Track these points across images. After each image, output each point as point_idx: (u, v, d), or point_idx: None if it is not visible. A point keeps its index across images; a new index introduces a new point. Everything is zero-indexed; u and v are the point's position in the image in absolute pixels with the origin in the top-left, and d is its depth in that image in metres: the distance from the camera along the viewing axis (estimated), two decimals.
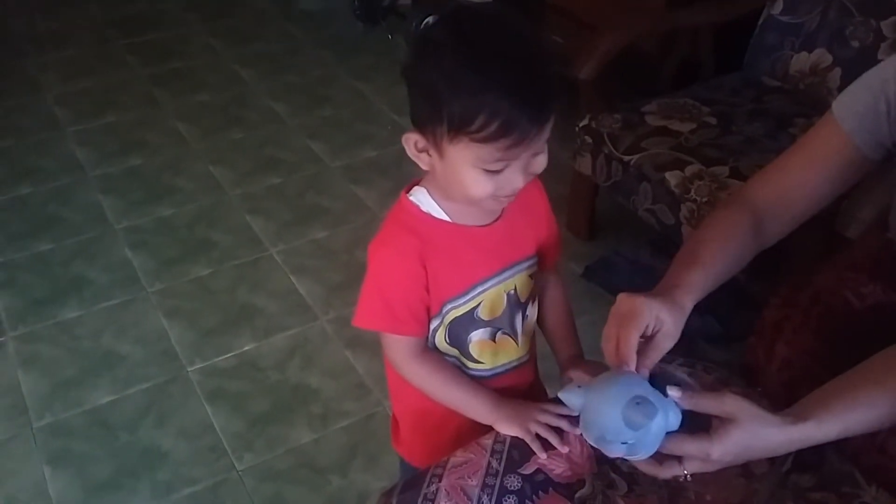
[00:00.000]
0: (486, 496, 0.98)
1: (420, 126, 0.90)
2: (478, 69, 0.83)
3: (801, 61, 2.12)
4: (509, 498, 0.98)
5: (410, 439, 1.20)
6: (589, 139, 2.06)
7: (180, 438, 1.81)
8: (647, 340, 0.95)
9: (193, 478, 1.73)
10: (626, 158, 1.96)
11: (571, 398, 0.89)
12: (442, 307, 1.02)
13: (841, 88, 2.00)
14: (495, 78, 0.82)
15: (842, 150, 1.11)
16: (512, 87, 0.82)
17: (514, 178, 0.90)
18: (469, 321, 1.04)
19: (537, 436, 1.03)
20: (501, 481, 1.00)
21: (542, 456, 1.02)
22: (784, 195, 1.14)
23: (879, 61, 1.91)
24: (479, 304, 1.04)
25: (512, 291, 1.06)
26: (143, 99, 3.15)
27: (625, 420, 0.84)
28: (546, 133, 0.87)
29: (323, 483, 1.72)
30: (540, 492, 0.99)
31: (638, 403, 0.85)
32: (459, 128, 0.84)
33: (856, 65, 1.99)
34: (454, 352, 1.07)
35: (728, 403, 0.87)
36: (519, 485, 0.99)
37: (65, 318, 2.13)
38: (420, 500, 0.98)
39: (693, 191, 1.81)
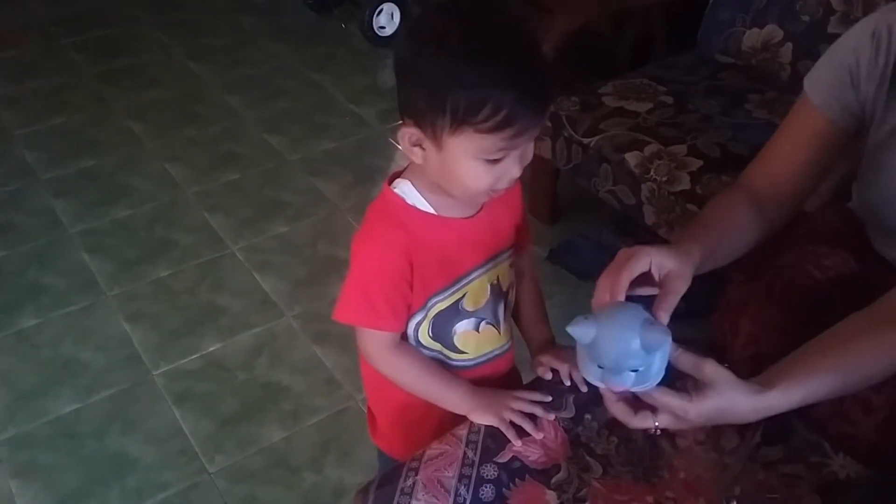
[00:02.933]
0: (463, 487, 0.98)
1: (417, 119, 0.89)
2: (480, 60, 0.83)
3: (753, 37, 2.14)
4: (486, 487, 0.98)
5: (390, 433, 1.20)
6: (548, 123, 2.06)
7: (149, 443, 1.78)
8: (659, 287, 0.95)
9: (164, 483, 1.70)
10: (586, 141, 1.96)
11: (583, 330, 0.86)
12: (427, 301, 1.02)
13: (793, 63, 2.05)
14: (500, 70, 0.83)
15: (819, 127, 1.16)
16: (517, 79, 0.83)
17: (512, 168, 0.90)
18: (453, 313, 1.04)
19: (512, 423, 1.03)
20: (478, 471, 1.00)
21: (516, 443, 1.02)
22: (777, 180, 1.18)
23: (830, 35, 1.96)
24: (464, 295, 1.04)
25: (495, 281, 1.06)
26: (92, 98, 3.07)
27: (642, 341, 0.84)
28: (544, 122, 0.88)
29: (297, 481, 1.71)
30: (517, 479, 0.99)
31: (652, 324, 0.86)
32: (464, 119, 0.84)
33: (807, 39, 2.02)
34: (437, 346, 1.07)
35: (707, 367, 0.89)
36: (495, 473, 1.00)
37: (23, 327, 2.08)
38: (397, 495, 0.97)
39: (653, 170, 1.82)
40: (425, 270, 0.99)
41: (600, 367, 0.87)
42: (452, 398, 1.06)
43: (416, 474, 0.99)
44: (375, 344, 1.04)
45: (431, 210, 0.99)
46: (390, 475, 1.00)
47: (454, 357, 1.09)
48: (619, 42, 2.50)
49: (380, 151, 2.79)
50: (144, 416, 1.85)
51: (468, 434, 1.04)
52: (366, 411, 1.81)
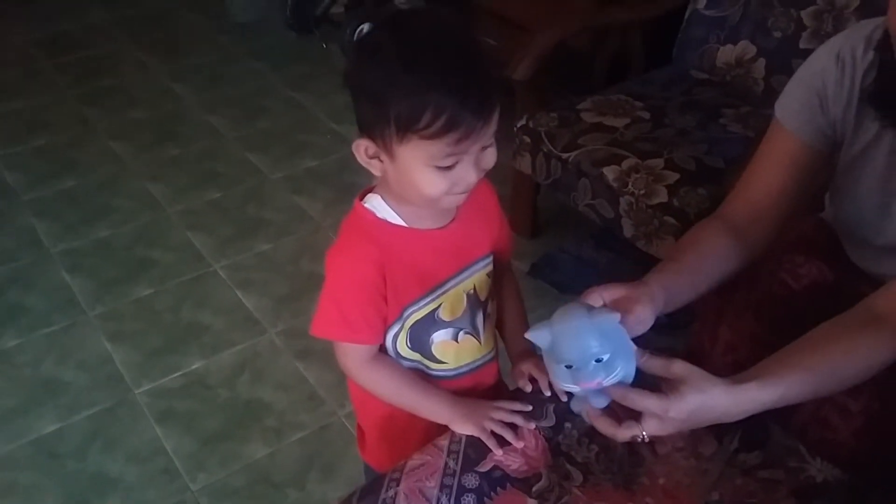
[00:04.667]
0: (444, 496, 0.98)
1: (368, 131, 0.91)
2: (418, 68, 0.84)
3: (727, 53, 2.18)
4: (468, 496, 0.99)
5: (377, 447, 1.20)
6: (527, 139, 2.08)
7: (131, 463, 1.78)
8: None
9: (146, 502, 1.69)
10: (565, 156, 1.98)
11: (539, 333, 0.90)
12: (402, 312, 1.03)
13: (766, 78, 2.09)
14: (437, 75, 0.84)
15: (792, 150, 1.18)
16: (454, 82, 0.84)
17: (467, 174, 0.91)
18: (430, 323, 1.05)
19: (492, 433, 1.04)
20: (459, 481, 1.00)
21: (497, 452, 1.03)
22: (756, 205, 1.19)
23: (802, 50, 2.00)
24: (440, 305, 1.05)
25: (471, 291, 1.07)
26: (74, 119, 3.07)
27: (594, 325, 0.86)
28: (492, 126, 0.89)
29: (280, 497, 1.70)
30: (498, 488, 1.00)
31: (598, 308, 0.89)
32: (407, 127, 0.86)
33: (779, 54, 2.06)
34: (416, 356, 1.08)
35: (676, 365, 0.91)
36: (477, 483, 1.00)
37: (4, 348, 2.06)
38: None
39: (630, 184, 1.85)
40: (399, 282, 1.00)
41: (568, 367, 0.89)
42: (433, 408, 1.07)
43: (398, 485, 1.00)
44: (352, 357, 1.05)
45: (402, 222, 1.00)
46: (372, 486, 1.01)
47: (434, 367, 1.09)
48: (597, 59, 2.53)
49: (361, 169, 2.74)
50: (126, 435, 1.84)
51: (449, 444, 1.05)
52: (349, 427, 1.84)
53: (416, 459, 1.03)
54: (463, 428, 1.05)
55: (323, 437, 1.83)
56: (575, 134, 2.01)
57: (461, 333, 1.09)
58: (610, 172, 1.89)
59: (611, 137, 1.98)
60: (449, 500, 0.98)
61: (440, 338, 1.07)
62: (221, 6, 3.83)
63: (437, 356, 1.08)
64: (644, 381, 0.92)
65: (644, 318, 0.97)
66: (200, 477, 1.74)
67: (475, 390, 1.13)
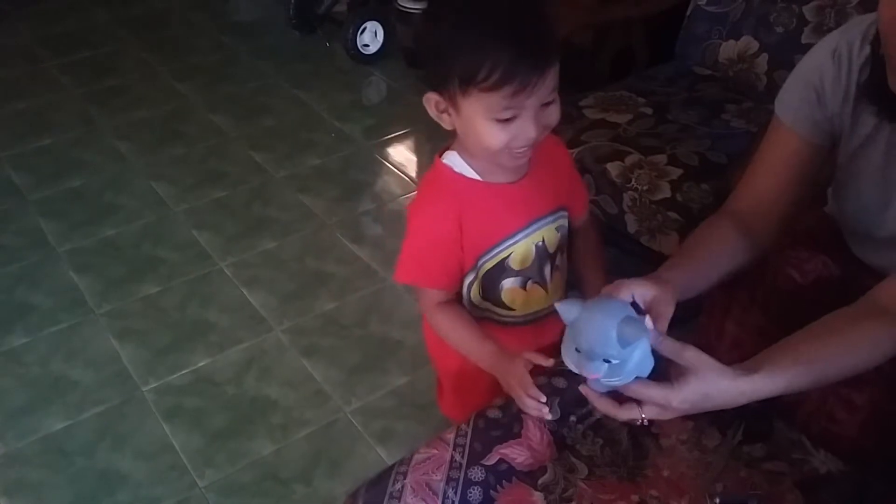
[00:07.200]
0: (451, 489, 1.00)
1: (436, 87, 0.99)
2: (477, 25, 0.93)
3: (729, 49, 2.18)
4: (474, 489, 1.00)
5: (451, 398, 1.32)
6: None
7: (139, 459, 1.79)
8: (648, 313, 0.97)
9: (155, 498, 1.71)
10: (568, 152, 1.99)
11: (568, 307, 0.91)
12: (477, 261, 1.12)
13: (768, 73, 2.10)
14: (493, 31, 0.92)
15: (794, 146, 1.19)
16: (510, 37, 0.92)
17: (527, 128, 0.97)
18: (500, 270, 1.14)
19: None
20: (465, 474, 1.02)
21: (540, 399, 1.02)
22: (761, 201, 1.20)
23: (803, 45, 2.01)
24: (510, 254, 1.12)
25: (540, 243, 1.14)
26: (78, 119, 3.08)
27: (618, 333, 0.86)
28: (550, 82, 0.96)
29: (287, 493, 1.72)
30: (503, 481, 1.01)
31: (633, 320, 0.89)
32: (468, 81, 0.94)
33: (781, 50, 2.06)
34: (487, 304, 1.16)
35: (689, 353, 0.92)
36: (482, 476, 1.02)
37: (11, 347, 2.08)
38: (386, 499, 0.99)
39: (634, 180, 1.85)
40: (474, 232, 1.09)
41: (578, 350, 0.89)
42: (480, 355, 1.12)
43: (405, 478, 1.01)
44: (427, 300, 1.15)
45: (477, 177, 1.08)
46: (378, 479, 1.02)
47: (503, 313, 1.17)
48: (600, 55, 2.54)
49: (365, 167, 2.81)
50: (134, 432, 1.85)
51: (455, 438, 1.06)
52: (355, 423, 1.88)
53: (422, 453, 1.05)
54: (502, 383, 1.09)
55: (329, 434, 1.84)
56: (578, 130, 2.02)
57: (529, 282, 1.16)
58: (613, 168, 1.89)
59: (614, 133, 1.99)
60: (455, 493, 0.99)
61: (509, 284, 1.15)
62: (224, 6, 3.84)
63: (506, 303, 1.16)
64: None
65: (666, 298, 0.98)
66: (208, 473, 1.76)
67: (549, 349, 1.12)
